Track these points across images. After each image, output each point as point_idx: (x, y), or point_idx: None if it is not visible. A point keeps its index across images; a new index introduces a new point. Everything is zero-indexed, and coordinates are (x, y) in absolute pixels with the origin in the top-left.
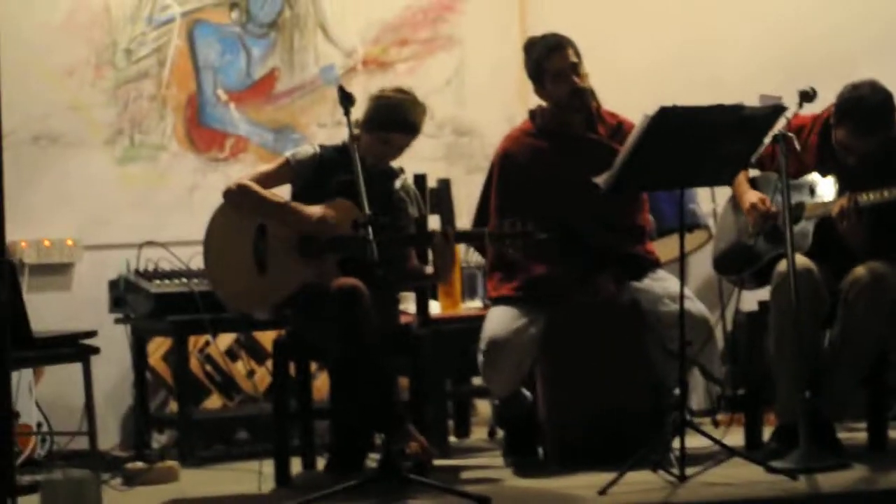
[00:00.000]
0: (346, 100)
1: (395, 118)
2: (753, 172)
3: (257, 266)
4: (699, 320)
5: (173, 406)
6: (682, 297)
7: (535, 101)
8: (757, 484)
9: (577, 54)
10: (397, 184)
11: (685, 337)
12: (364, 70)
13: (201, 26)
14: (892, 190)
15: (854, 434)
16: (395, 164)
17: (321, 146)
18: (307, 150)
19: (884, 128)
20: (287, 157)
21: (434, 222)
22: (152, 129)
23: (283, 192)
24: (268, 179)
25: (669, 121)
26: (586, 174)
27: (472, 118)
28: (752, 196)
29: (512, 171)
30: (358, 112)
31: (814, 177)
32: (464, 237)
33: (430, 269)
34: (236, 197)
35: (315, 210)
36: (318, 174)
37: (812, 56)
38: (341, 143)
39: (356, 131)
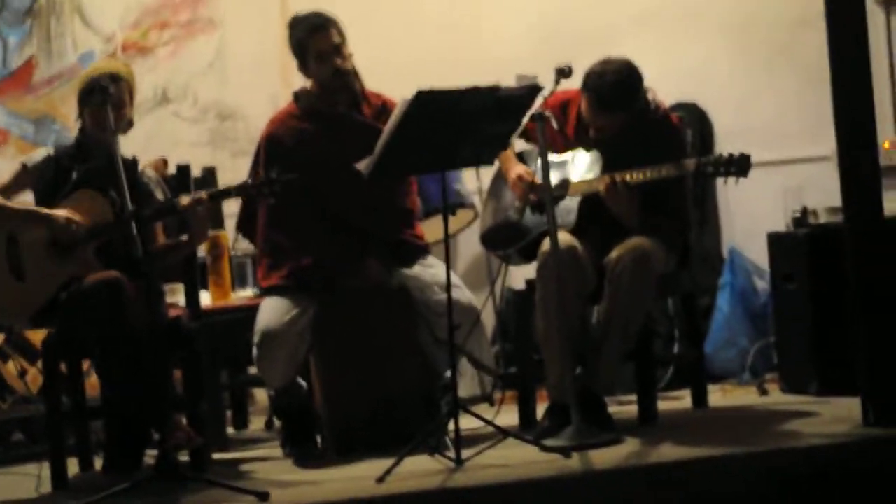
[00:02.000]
0: (104, 92)
1: (93, 79)
2: (522, 145)
3: (13, 274)
4: (466, 308)
5: None
6: (448, 283)
7: (300, 82)
8: (532, 464)
9: (342, 34)
10: (139, 171)
11: (454, 322)
12: (124, 55)
13: None
14: (654, 169)
15: (624, 408)
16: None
17: (55, 146)
18: (41, 152)
19: (618, 107)
20: (23, 163)
21: None
22: None
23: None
24: (7, 189)
25: (426, 105)
26: (352, 156)
27: (235, 101)
28: (517, 169)
29: (277, 154)
30: None
31: (576, 152)
32: (213, 196)
33: (179, 238)
34: None
35: (60, 212)
36: (57, 172)
37: (573, 24)
38: (75, 139)
39: (78, 122)
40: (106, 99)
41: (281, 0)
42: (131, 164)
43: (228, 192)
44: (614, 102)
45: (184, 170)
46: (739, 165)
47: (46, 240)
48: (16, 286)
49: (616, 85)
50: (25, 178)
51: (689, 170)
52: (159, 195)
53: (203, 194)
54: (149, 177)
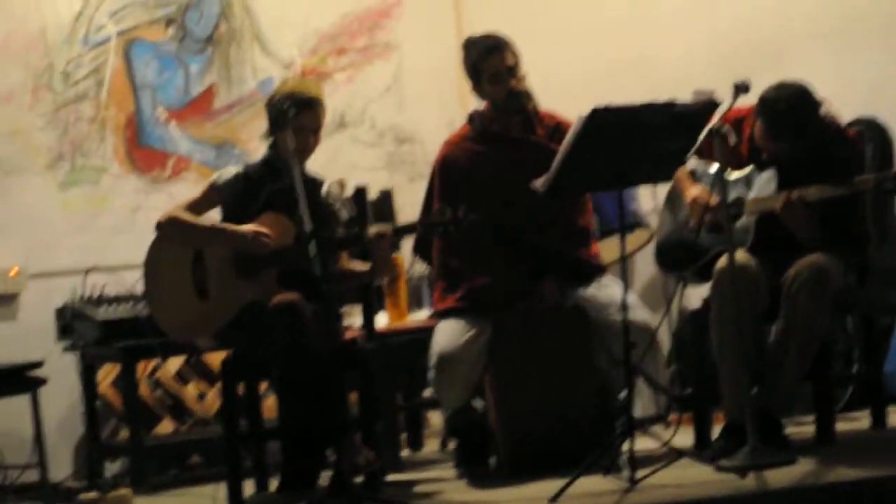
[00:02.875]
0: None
1: (294, 102)
2: (692, 164)
3: (197, 293)
4: (642, 328)
5: (125, 433)
6: (624, 304)
7: (476, 105)
8: (706, 484)
9: (516, 56)
10: (323, 190)
11: (630, 342)
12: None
13: (137, 45)
14: (831, 186)
15: (802, 428)
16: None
17: (245, 164)
18: (230, 170)
19: (792, 134)
20: (212, 181)
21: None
22: (93, 152)
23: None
24: (197, 206)
25: (602, 121)
26: (526, 177)
27: (412, 125)
28: (693, 190)
29: (452, 176)
30: None
31: (751, 170)
32: (397, 231)
33: (363, 267)
34: (168, 228)
35: (247, 228)
36: (246, 192)
37: (748, 38)
38: (264, 157)
39: (269, 141)
40: (312, 126)
41: (456, 22)
42: (316, 183)
43: (413, 228)
44: (786, 131)
45: (361, 192)
46: None
47: (232, 259)
48: (199, 304)
49: (788, 114)
50: (215, 195)
51: (868, 186)
52: (344, 214)
53: (388, 228)
54: (333, 196)
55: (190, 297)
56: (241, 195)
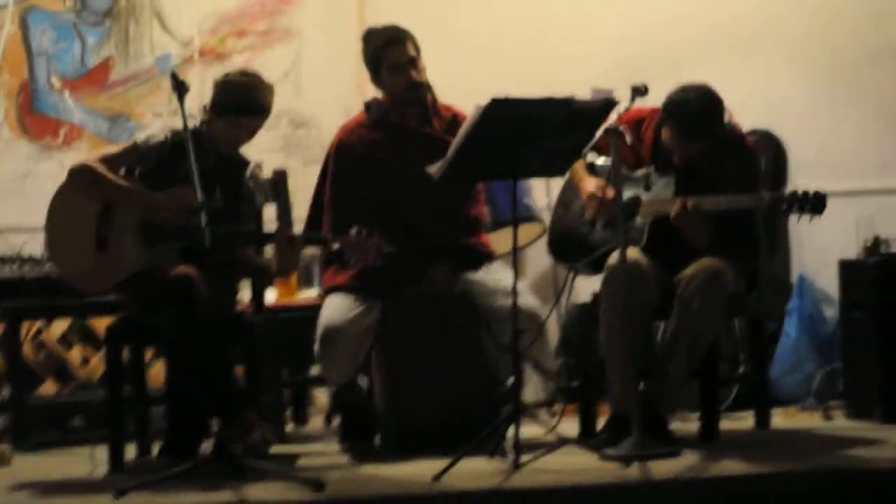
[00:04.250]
0: (180, 87)
1: (243, 101)
2: (593, 157)
3: (97, 243)
4: (530, 315)
5: (6, 392)
6: (514, 290)
7: (373, 93)
8: (590, 471)
9: (416, 48)
10: (247, 172)
11: (518, 329)
12: (201, 60)
13: (35, 13)
14: (727, 198)
15: (687, 425)
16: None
17: (174, 131)
18: (158, 136)
19: (705, 135)
20: (136, 142)
21: (270, 212)
22: None
23: None
24: (113, 161)
25: (501, 112)
26: (421, 167)
27: (309, 109)
28: (590, 184)
29: (346, 162)
30: (201, 98)
31: (650, 170)
32: (308, 240)
33: (266, 262)
34: (80, 176)
35: (158, 196)
36: (170, 159)
37: (644, 48)
38: (193, 130)
39: (204, 117)
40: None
41: (358, 10)
42: (242, 163)
43: (325, 239)
44: (700, 131)
45: (281, 177)
46: (814, 204)
47: (139, 222)
48: (96, 255)
49: (700, 114)
50: (134, 156)
51: (763, 203)
52: (260, 199)
53: (297, 236)
54: (255, 180)
55: (89, 247)
56: (163, 163)
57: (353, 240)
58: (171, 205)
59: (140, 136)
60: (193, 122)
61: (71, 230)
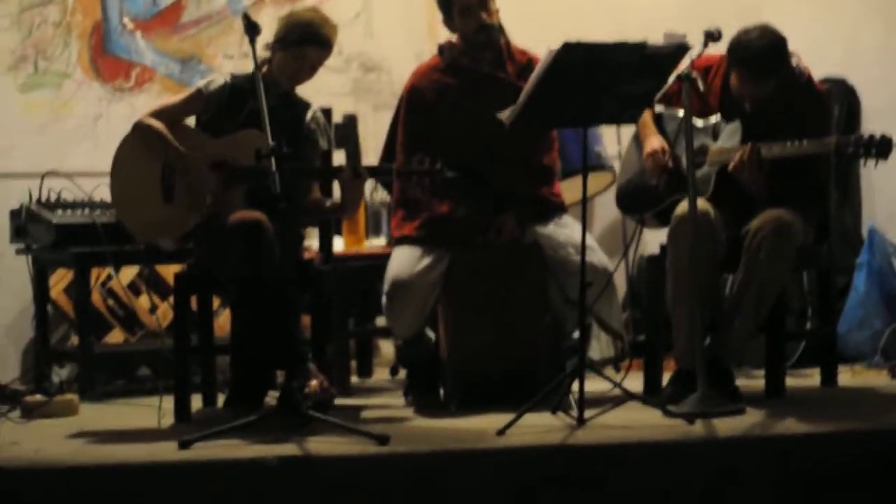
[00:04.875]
0: (252, 29)
1: (308, 32)
2: (659, 108)
3: (164, 195)
4: (599, 270)
5: (74, 340)
6: (583, 244)
7: (445, 36)
8: (654, 427)
9: None
10: (308, 115)
11: (586, 282)
12: (272, 2)
13: None
14: (794, 143)
15: (752, 381)
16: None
17: (232, 75)
18: (218, 80)
19: (772, 73)
20: (199, 88)
21: (339, 158)
22: (56, 57)
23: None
24: (178, 110)
25: (572, 57)
26: (493, 113)
27: (380, 53)
28: (654, 142)
29: (419, 107)
30: (267, 37)
31: (718, 119)
32: (372, 172)
33: (333, 202)
34: (141, 132)
35: (221, 146)
36: (230, 104)
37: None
38: (252, 72)
39: (267, 53)
40: (312, 61)
41: None
42: (303, 106)
43: (388, 172)
44: (767, 68)
45: (325, 114)
46: (880, 147)
47: (202, 169)
48: (163, 206)
49: (765, 50)
50: (200, 104)
51: (829, 148)
52: (323, 143)
53: (363, 169)
54: (317, 122)
55: (156, 199)
56: (223, 108)
57: (415, 166)
58: (237, 153)
59: (200, 83)
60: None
61: (136, 180)
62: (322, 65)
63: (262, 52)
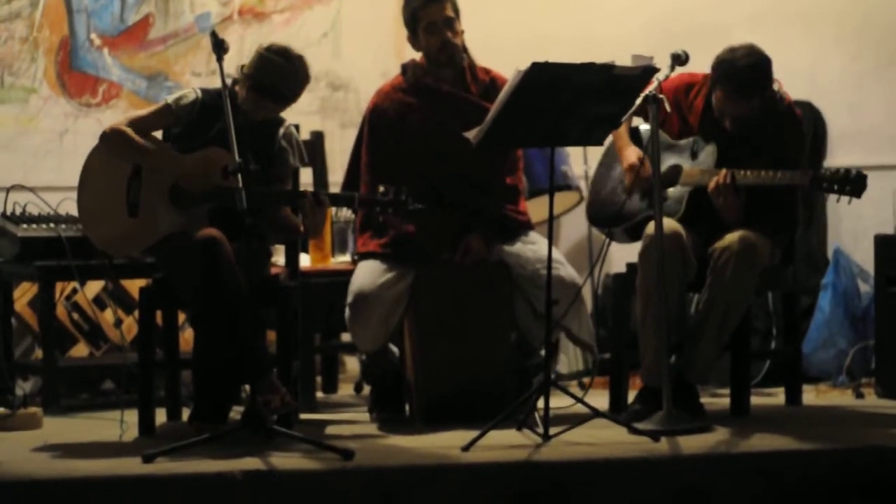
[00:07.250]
0: (219, 47)
1: (271, 84)
2: (638, 121)
3: (128, 208)
4: (568, 284)
5: (38, 353)
6: (549, 257)
7: (412, 56)
8: (619, 444)
9: (455, 10)
10: (280, 131)
11: (552, 297)
12: (240, 19)
13: None
14: (769, 173)
15: (717, 400)
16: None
17: (203, 90)
18: (189, 95)
19: (757, 91)
20: (168, 102)
21: (307, 175)
22: (23, 72)
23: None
24: (146, 123)
25: (540, 77)
26: (456, 132)
27: (347, 72)
28: (631, 154)
29: (382, 126)
30: (240, 58)
31: (697, 139)
32: (334, 201)
33: (299, 222)
34: (112, 139)
35: (189, 160)
36: (200, 120)
37: (687, 22)
38: (223, 90)
39: (239, 78)
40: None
41: None
42: (275, 122)
43: (352, 201)
44: (752, 86)
45: (319, 137)
46: (854, 185)
47: (166, 186)
48: (127, 221)
49: (751, 68)
50: (168, 117)
51: (804, 181)
52: (294, 161)
53: (325, 196)
54: (288, 139)
55: (120, 212)
56: (194, 124)
57: (379, 196)
58: (204, 170)
59: (170, 97)
60: (229, 82)
61: (102, 196)
62: (282, 112)
63: (235, 72)
